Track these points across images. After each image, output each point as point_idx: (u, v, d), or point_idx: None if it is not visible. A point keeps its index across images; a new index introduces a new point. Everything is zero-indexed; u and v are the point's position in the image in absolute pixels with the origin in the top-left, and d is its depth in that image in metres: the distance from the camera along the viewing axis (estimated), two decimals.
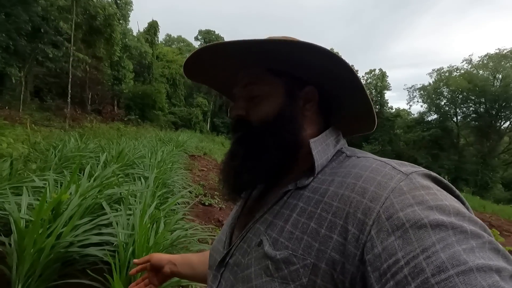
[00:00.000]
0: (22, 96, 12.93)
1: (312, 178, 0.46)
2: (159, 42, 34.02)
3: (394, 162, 0.42)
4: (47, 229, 1.68)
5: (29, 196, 2.00)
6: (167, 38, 48.63)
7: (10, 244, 1.69)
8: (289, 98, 0.51)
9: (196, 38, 40.49)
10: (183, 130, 22.97)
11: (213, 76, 0.61)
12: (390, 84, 43.60)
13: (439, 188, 0.38)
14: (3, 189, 2.06)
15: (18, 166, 2.99)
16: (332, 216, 0.39)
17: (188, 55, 0.53)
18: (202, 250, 2.62)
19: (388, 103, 43.63)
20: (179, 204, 3.23)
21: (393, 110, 42.01)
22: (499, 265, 0.29)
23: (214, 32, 40.03)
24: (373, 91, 42.17)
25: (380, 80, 43.23)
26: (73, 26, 14.29)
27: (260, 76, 0.52)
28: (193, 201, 3.76)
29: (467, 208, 0.37)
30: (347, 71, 0.47)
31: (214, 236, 2.60)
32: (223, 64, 0.55)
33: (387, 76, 43.87)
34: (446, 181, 0.40)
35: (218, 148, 16.72)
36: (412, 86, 37.55)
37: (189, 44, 44.95)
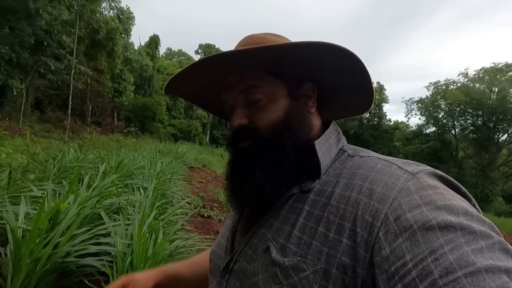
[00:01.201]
0: (22, 107, 12.99)
1: (317, 180, 0.45)
2: (160, 55, 34.57)
3: (399, 161, 0.42)
4: (44, 238, 1.66)
5: (27, 205, 1.98)
6: (168, 51, 49.43)
7: (6, 254, 1.66)
8: (293, 98, 0.49)
9: (197, 52, 41.20)
10: (182, 142, 22.94)
11: (192, 87, 0.55)
12: (388, 97, 44.08)
13: (446, 187, 0.38)
14: (2, 198, 2.04)
15: (17, 176, 2.98)
16: (340, 219, 0.38)
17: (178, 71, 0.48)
18: None
19: (386, 115, 43.99)
20: (177, 215, 3.20)
21: (392, 123, 42.25)
22: (508, 266, 0.28)
23: (214, 46, 40.76)
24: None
25: (378, 93, 43.68)
26: (76, 39, 14.54)
27: (261, 78, 0.48)
28: (192, 212, 3.72)
29: (474, 206, 0.37)
30: (349, 58, 0.44)
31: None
32: (209, 75, 0.50)
33: (385, 89, 44.37)
34: (452, 179, 0.39)
35: (217, 160, 16.67)
36: (410, 99, 38.02)
37: (189, 58, 45.64)
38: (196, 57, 41.68)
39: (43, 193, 2.29)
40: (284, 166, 0.46)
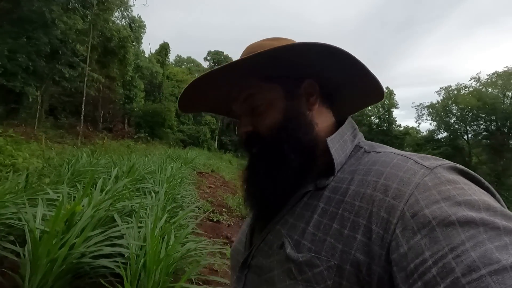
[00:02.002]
0: (37, 114, 13.37)
1: (332, 177, 0.45)
2: (170, 62, 35.14)
3: (416, 156, 0.41)
4: (60, 239, 1.70)
5: (44, 207, 2.04)
6: (177, 58, 50.26)
7: (24, 255, 1.71)
8: (290, 99, 0.49)
9: (205, 59, 41.67)
10: (191, 147, 23.11)
11: (206, 101, 0.59)
12: (397, 102, 43.57)
13: (466, 181, 0.36)
14: (21, 198, 2.11)
15: (33, 179, 3.06)
16: (354, 216, 0.38)
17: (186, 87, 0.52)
18: (212, 264, 2.58)
19: (396, 121, 43.47)
20: (187, 218, 3.23)
21: (402, 128, 41.69)
22: None
23: (223, 52, 41.15)
24: (380, 109, 42.13)
25: (388, 98, 43.23)
26: (89, 48, 14.96)
27: (255, 86, 0.50)
28: (202, 217, 3.74)
29: (498, 201, 0.35)
30: (344, 57, 0.45)
31: (224, 250, 2.57)
32: (215, 87, 0.53)
33: (395, 94, 43.89)
34: (473, 173, 0.38)
35: (226, 165, 16.72)
36: (420, 104, 37.51)
37: (198, 65, 46.23)
38: (205, 64, 42.20)
39: (59, 196, 2.35)
40: (285, 167, 0.47)
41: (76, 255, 1.72)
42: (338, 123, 0.54)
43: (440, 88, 35.89)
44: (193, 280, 2.16)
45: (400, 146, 36.76)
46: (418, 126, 44.83)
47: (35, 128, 12.25)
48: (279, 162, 0.47)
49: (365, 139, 0.53)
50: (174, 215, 3.00)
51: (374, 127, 42.28)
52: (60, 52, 13.47)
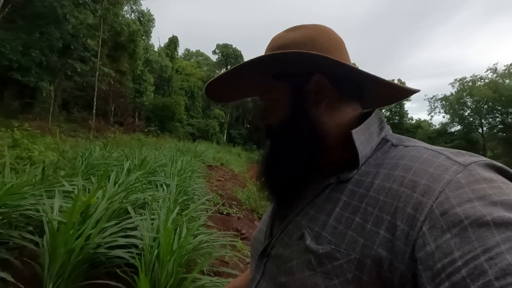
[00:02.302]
0: (51, 108, 13.69)
1: (355, 171, 0.44)
2: (179, 56, 35.25)
3: (449, 152, 0.39)
4: (76, 230, 1.75)
5: (60, 199, 2.10)
6: (186, 52, 50.26)
7: (43, 245, 1.77)
8: (295, 96, 0.50)
9: (214, 52, 41.51)
10: (200, 141, 23.31)
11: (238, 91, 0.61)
12: None
13: (505, 180, 0.34)
14: (38, 190, 2.17)
15: (49, 172, 3.15)
16: (378, 211, 0.37)
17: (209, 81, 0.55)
18: (223, 256, 2.62)
19: (408, 114, 42.62)
20: (198, 211, 3.27)
21: (414, 121, 40.91)
22: None
23: (231, 45, 40.89)
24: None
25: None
26: (100, 42, 15.13)
27: (268, 84, 0.53)
28: (213, 210, 3.79)
29: None
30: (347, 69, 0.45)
31: (235, 243, 2.60)
32: (237, 84, 0.56)
33: None
34: None
35: (235, 159, 16.82)
36: (433, 97, 36.63)
37: (207, 58, 46.16)
38: (214, 57, 42.07)
39: (74, 188, 2.41)
40: (288, 161, 0.49)
41: (92, 245, 1.77)
42: (367, 116, 0.52)
43: (455, 80, 34.90)
44: (205, 271, 2.19)
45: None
46: (430, 119, 43.98)
47: (49, 122, 12.56)
48: (282, 156, 0.50)
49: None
50: (186, 207, 3.04)
51: (386, 120, 41.57)
52: (71, 47, 13.69)
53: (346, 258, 0.37)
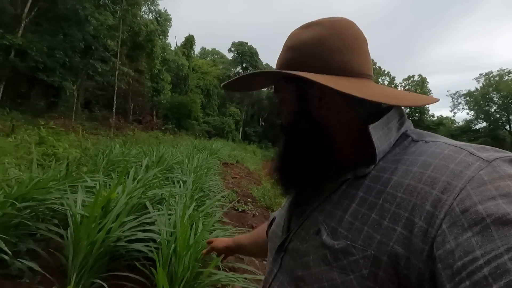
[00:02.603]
0: (74, 107, 14.28)
1: (372, 166, 0.43)
2: (195, 55, 35.68)
3: (472, 147, 0.37)
4: (98, 224, 1.82)
5: (83, 194, 2.19)
6: (202, 51, 50.78)
7: (67, 237, 1.85)
8: (300, 101, 0.50)
9: (230, 50, 41.67)
10: (216, 138, 23.55)
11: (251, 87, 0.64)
12: (431, 90, 41.22)
13: None
14: (63, 185, 2.27)
15: (72, 168, 3.29)
16: (396, 208, 0.36)
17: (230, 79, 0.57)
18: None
19: (429, 110, 41.13)
20: (214, 207, 3.31)
21: (435, 118, 39.46)
22: None
23: (247, 43, 40.87)
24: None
25: (420, 87, 40.95)
26: (119, 42, 15.59)
27: (279, 85, 0.54)
28: (228, 206, 3.83)
29: None
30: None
31: None
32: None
33: (428, 82, 41.52)
34: None
35: (250, 156, 16.87)
36: (456, 92, 35.28)
37: (222, 56, 46.44)
38: (229, 55, 42.22)
39: (96, 184, 2.51)
40: (299, 160, 0.50)
41: (112, 238, 1.83)
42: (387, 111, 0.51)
43: (480, 74, 33.35)
44: (220, 266, 2.23)
45: None
46: (453, 116, 42.26)
47: (73, 120, 13.11)
48: (292, 155, 0.51)
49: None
50: (202, 203, 3.09)
51: (406, 115, 40.29)
52: (93, 48, 14.19)
53: (362, 254, 0.37)
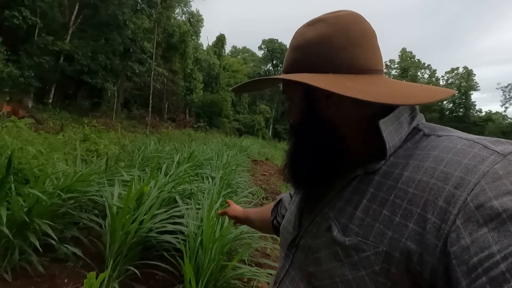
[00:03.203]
0: (115, 106, 15.31)
1: (383, 162, 0.42)
2: (226, 53, 36.32)
3: (487, 140, 0.36)
4: (132, 215, 1.95)
5: (119, 187, 2.35)
6: (233, 49, 51.50)
7: (105, 226, 2.01)
8: (307, 101, 0.49)
9: (260, 48, 41.80)
10: (246, 136, 23.83)
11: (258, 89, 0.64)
12: (478, 83, 37.80)
13: None
14: (102, 179, 2.46)
15: (111, 163, 3.54)
16: (407, 204, 0.36)
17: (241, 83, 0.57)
18: (265, 248, 2.67)
19: (475, 105, 37.82)
20: (241, 203, 3.37)
21: (483, 114, 36.18)
22: None
23: (277, 40, 40.71)
24: (455, 92, 37.10)
25: (465, 80, 37.81)
26: (155, 44, 16.37)
27: (286, 85, 0.53)
28: (255, 202, 3.87)
29: None
30: None
31: (276, 236, 2.63)
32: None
33: (474, 75, 38.14)
34: None
35: (280, 154, 16.79)
36: (508, 85, 32.00)
37: (253, 54, 46.74)
38: (260, 53, 42.38)
39: (131, 178, 2.68)
40: (307, 160, 0.50)
41: (145, 229, 1.96)
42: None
43: None
44: (246, 261, 2.27)
45: (480, 134, 32.05)
46: (504, 111, 38.29)
47: (113, 119, 14.06)
48: (301, 155, 0.51)
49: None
50: (229, 199, 3.16)
51: (447, 113, 37.51)
52: (131, 50, 15.10)
53: (374, 250, 0.37)
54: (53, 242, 1.87)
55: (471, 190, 0.31)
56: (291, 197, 0.71)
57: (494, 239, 0.28)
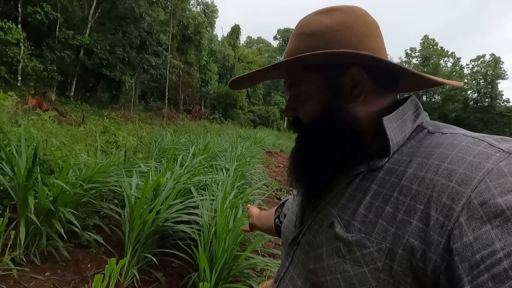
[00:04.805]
0: (132, 99, 15.67)
1: (386, 159, 0.42)
2: (241, 44, 36.07)
3: (492, 138, 0.36)
4: (149, 205, 2.03)
5: (137, 178, 2.44)
6: (248, 40, 51.11)
7: (124, 215, 2.10)
8: (331, 91, 0.47)
9: (275, 38, 41.25)
10: (261, 127, 23.82)
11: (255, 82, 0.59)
12: (506, 72, 35.69)
13: None
14: (121, 170, 2.56)
15: (129, 154, 3.66)
16: (411, 200, 0.36)
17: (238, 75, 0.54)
18: (278, 239, 2.71)
19: (503, 95, 35.85)
20: (255, 195, 3.41)
21: (510, 104, 34.26)
22: None
23: (293, 30, 39.97)
24: (481, 81, 35.20)
25: (492, 68, 35.79)
26: (170, 36, 16.50)
27: (298, 75, 0.49)
28: (268, 193, 3.90)
29: None
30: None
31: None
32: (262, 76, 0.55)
33: (502, 62, 36.00)
34: None
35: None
36: None
37: (268, 44, 46.22)
38: (275, 43, 41.92)
39: (148, 169, 2.76)
40: (322, 157, 0.48)
41: (161, 219, 2.03)
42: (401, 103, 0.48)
43: None
44: (259, 251, 2.31)
45: (506, 126, 30.47)
46: None
47: (131, 111, 14.41)
48: (316, 152, 0.48)
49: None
50: (243, 191, 3.21)
51: (471, 103, 35.71)
52: (147, 43, 15.30)
53: (377, 246, 0.37)
54: (77, 229, 1.98)
55: (475, 187, 0.31)
56: (294, 197, 0.69)
57: (497, 236, 0.28)
